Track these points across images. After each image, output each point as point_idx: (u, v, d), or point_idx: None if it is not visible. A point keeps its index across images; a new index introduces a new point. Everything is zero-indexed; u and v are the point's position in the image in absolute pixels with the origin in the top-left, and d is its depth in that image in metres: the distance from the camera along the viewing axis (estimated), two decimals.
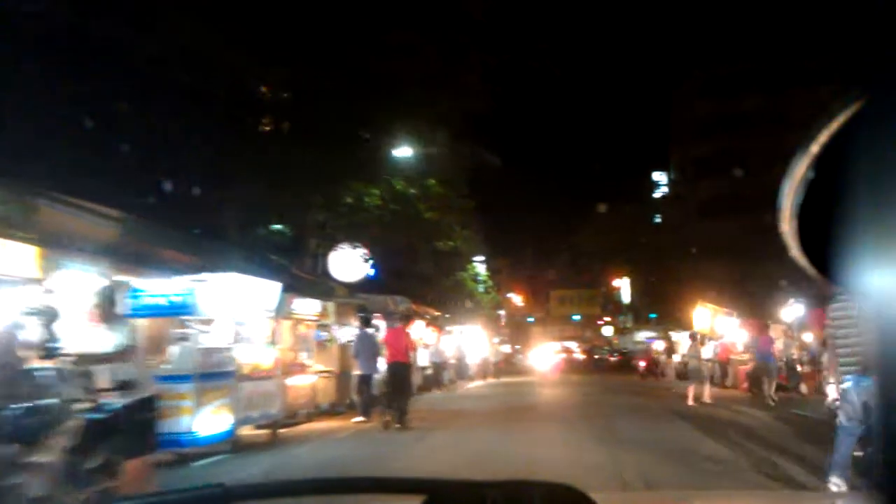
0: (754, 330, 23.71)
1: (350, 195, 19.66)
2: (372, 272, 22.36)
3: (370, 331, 16.15)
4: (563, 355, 72.00)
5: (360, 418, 14.90)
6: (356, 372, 15.93)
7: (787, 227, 0.87)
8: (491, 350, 36.47)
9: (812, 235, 0.85)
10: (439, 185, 20.41)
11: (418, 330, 23.29)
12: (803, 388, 19.15)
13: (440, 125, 19.72)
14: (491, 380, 34.73)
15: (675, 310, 42.93)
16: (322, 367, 16.48)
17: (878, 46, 0.66)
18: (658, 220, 62.94)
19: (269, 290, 13.24)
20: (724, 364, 24.07)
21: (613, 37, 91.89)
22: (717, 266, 39.41)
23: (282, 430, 12.71)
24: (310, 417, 14.80)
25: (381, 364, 15.55)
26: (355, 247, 20.92)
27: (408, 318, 17.73)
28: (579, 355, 65.93)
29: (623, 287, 75.42)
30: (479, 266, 52.35)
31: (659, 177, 63.67)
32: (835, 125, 0.78)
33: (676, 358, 35.27)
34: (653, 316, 62.15)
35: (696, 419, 14.62)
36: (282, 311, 14.25)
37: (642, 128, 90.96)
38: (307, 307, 16.64)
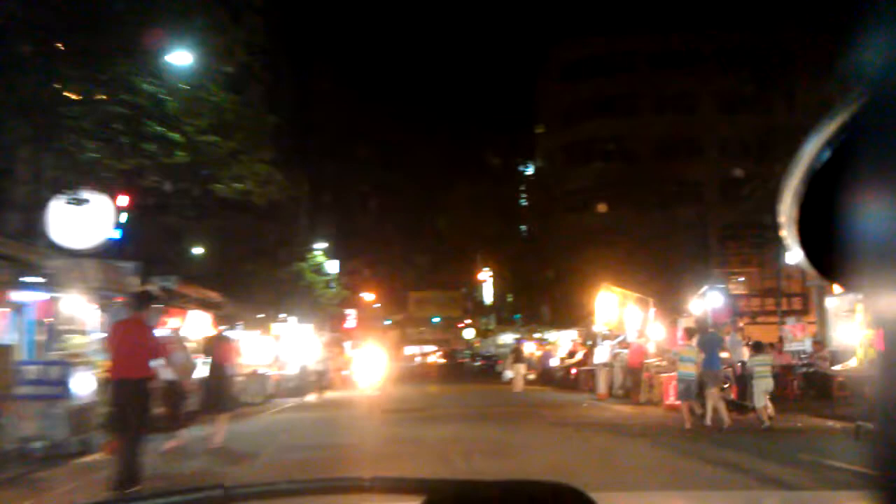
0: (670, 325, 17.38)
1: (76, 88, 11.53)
2: (117, 234, 14.14)
3: None
4: (419, 360, 65.81)
5: None
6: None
7: (788, 227, 0.85)
8: (329, 356, 28.64)
9: (812, 236, 0.82)
10: (220, 92, 12.46)
11: (197, 325, 15.13)
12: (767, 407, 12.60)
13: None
14: (329, 394, 26.93)
15: (553, 307, 36.87)
16: None
17: (878, 46, 0.64)
18: (525, 217, 57.11)
19: None
20: (635, 371, 17.37)
21: (478, 13, 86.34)
22: (596, 258, 33.57)
23: None
24: None
25: None
26: (82, 194, 12.57)
27: (146, 302, 9.51)
28: (440, 360, 60.44)
29: (486, 287, 69.52)
30: (333, 263, 44.75)
31: (524, 165, 57.81)
32: (835, 125, 0.76)
33: (555, 362, 28.79)
34: (517, 317, 56.26)
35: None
36: None
37: (507, 117, 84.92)
38: None
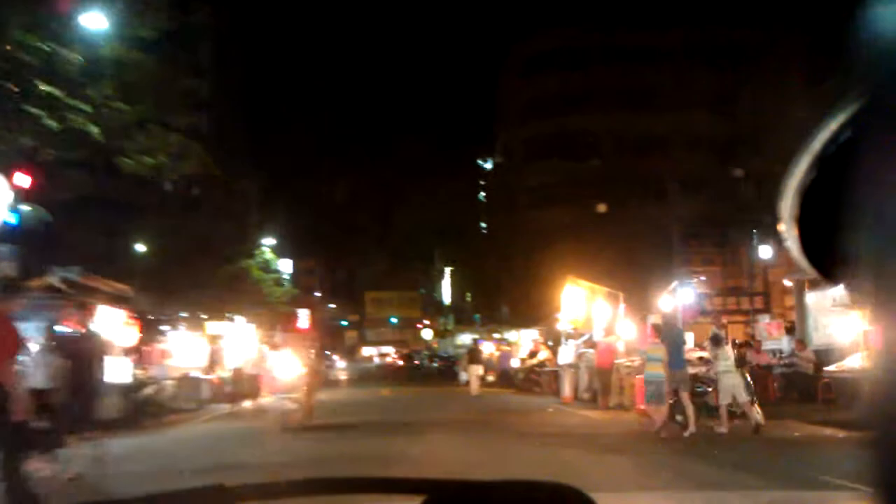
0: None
1: None
2: (12, 218, 12.03)
3: None
4: (377, 361, 64.17)
5: None
6: None
7: (788, 225, 0.84)
8: (263, 358, 26.61)
9: (813, 236, 0.82)
10: (121, 48, 10.38)
11: (108, 321, 13.04)
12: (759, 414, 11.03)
13: None
14: (265, 399, 24.90)
15: (513, 306, 35.29)
16: None
17: (878, 47, 0.64)
18: (485, 213, 55.41)
19: None
20: (604, 372, 15.63)
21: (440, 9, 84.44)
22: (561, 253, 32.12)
23: None
24: None
25: None
26: None
27: (9, 292, 7.50)
28: (397, 362, 58.90)
29: (444, 286, 67.82)
30: (286, 262, 42.74)
31: (485, 161, 56.10)
32: (835, 125, 0.75)
33: (515, 363, 27.17)
34: (476, 317, 54.60)
35: None
36: None
37: (467, 113, 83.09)
38: None
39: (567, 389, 18.16)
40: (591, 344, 18.58)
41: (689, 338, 15.30)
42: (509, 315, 37.79)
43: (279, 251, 36.07)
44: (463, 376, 25.76)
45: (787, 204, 0.82)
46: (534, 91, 46.50)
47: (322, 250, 73.42)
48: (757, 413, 11.35)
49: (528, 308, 31.12)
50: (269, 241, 35.05)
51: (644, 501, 2.70)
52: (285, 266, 61.08)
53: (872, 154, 0.65)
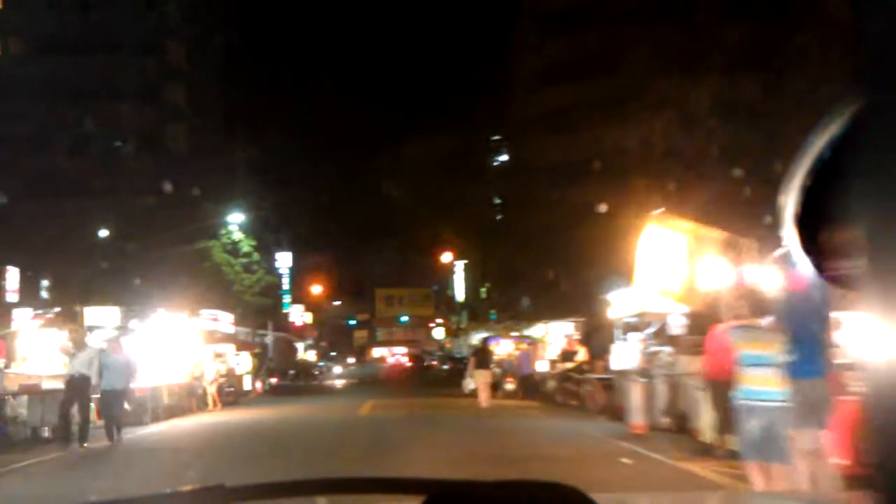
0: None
1: None
2: None
3: None
4: (388, 363, 57.90)
5: None
6: None
7: (788, 226, 0.83)
8: (211, 364, 19.73)
9: (813, 236, 0.81)
10: None
11: None
12: None
13: None
14: (210, 413, 17.99)
15: (536, 295, 28.21)
16: None
17: (878, 47, 0.64)
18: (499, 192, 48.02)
19: None
20: (720, 388, 8.45)
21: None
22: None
23: None
24: None
25: None
26: None
27: None
28: (406, 363, 52.74)
29: (457, 281, 60.75)
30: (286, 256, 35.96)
31: (497, 137, 48.70)
32: (835, 126, 0.75)
33: (542, 366, 20.00)
34: (493, 316, 47.47)
35: None
36: None
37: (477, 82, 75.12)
38: None
39: (638, 413, 10.99)
40: (666, 339, 11.53)
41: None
42: (532, 307, 30.63)
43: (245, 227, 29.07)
44: (469, 383, 18.68)
45: (788, 204, 0.81)
46: (553, 53, 39.40)
47: (329, 244, 66.83)
48: None
49: (557, 297, 24.05)
50: (235, 219, 28.13)
51: (644, 501, 2.51)
52: (283, 258, 54.95)
53: (873, 154, 0.64)
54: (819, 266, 0.82)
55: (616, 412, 12.45)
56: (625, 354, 12.44)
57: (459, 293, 62.06)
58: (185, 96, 40.37)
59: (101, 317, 16.92)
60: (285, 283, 54.88)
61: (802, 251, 0.82)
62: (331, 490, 1.17)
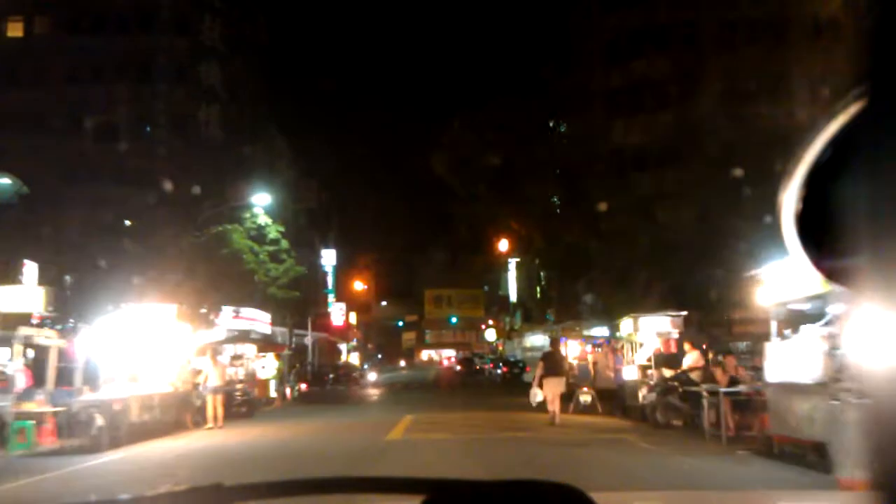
0: None
1: None
2: None
3: None
4: (441, 367, 54.11)
5: None
6: None
7: (788, 225, 0.82)
8: (220, 367, 15.70)
9: (813, 236, 0.80)
10: None
11: None
12: None
13: None
14: (205, 432, 13.94)
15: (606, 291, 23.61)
16: None
17: (879, 47, 0.64)
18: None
19: None
20: None
21: None
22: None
23: None
24: None
25: None
26: None
27: None
28: (455, 367, 48.90)
29: (510, 279, 56.15)
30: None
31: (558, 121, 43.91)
32: (835, 125, 0.74)
33: (630, 374, 15.29)
34: (549, 316, 42.75)
35: None
36: None
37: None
38: None
39: (848, 458, 6.39)
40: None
41: None
42: (602, 303, 25.92)
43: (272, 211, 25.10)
44: (537, 394, 14.12)
45: (788, 204, 0.80)
46: (619, 26, 34.63)
47: (377, 242, 63.25)
48: None
49: (642, 288, 19.45)
50: (261, 201, 24.15)
51: (644, 501, 2.51)
52: (328, 256, 51.31)
53: (873, 154, 0.63)
54: (819, 265, 0.79)
55: (767, 445, 7.94)
56: (791, 359, 7.87)
57: (512, 293, 57.48)
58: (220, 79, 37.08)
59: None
60: (329, 282, 51.47)
61: (802, 250, 0.79)
62: (331, 490, 1.09)
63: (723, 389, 10.11)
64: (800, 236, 0.80)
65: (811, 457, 7.62)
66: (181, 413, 14.56)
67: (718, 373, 10.95)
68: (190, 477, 8.19)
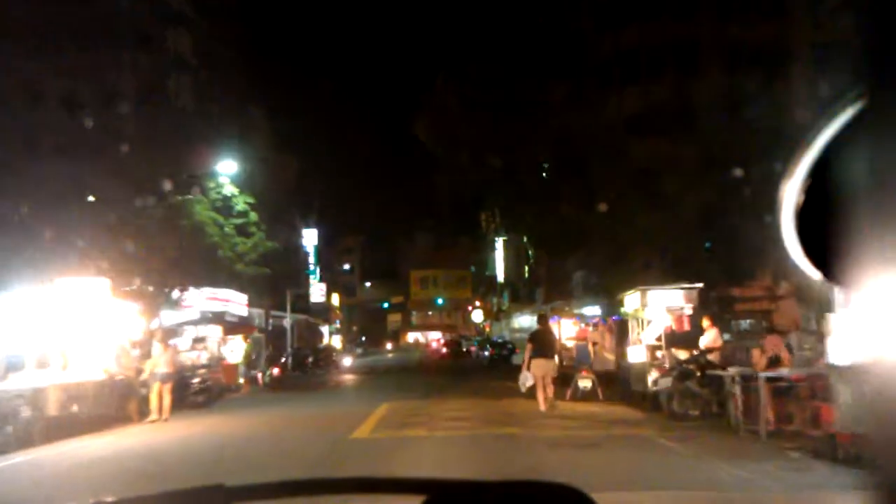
0: None
1: None
2: None
3: None
4: (434, 347, 52.50)
5: None
6: None
7: (787, 227, 0.81)
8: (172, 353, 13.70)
9: (812, 235, 0.79)
10: None
11: None
12: None
13: None
14: (145, 427, 11.94)
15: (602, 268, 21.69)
16: None
17: (878, 47, 0.63)
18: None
19: None
20: None
21: None
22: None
23: None
24: None
25: None
26: None
27: None
28: (441, 349, 47.41)
29: (497, 259, 54.25)
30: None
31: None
32: (835, 125, 0.74)
33: (637, 355, 13.31)
34: (536, 293, 40.91)
35: None
36: None
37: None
38: None
39: None
40: None
41: None
42: (596, 280, 24.03)
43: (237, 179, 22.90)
44: (527, 379, 12.18)
45: (788, 204, 0.79)
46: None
47: (361, 222, 61.03)
48: None
49: (642, 257, 17.55)
50: (227, 170, 21.97)
51: (644, 501, 2.44)
52: (309, 235, 49.12)
53: (873, 153, 0.62)
54: (819, 264, 0.78)
55: (830, 446, 6.08)
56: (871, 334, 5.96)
57: (500, 273, 55.58)
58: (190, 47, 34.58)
59: None
60: (311, 263, 49.30)
61: (802, 250, 0.78)
62: (331, 490, 1.11)
63: (763, 374, 8.20)
64: (799, 236, 0.78)
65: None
66: (123, 404, 12.54)
67: (756, 354, 9.06)
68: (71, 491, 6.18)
